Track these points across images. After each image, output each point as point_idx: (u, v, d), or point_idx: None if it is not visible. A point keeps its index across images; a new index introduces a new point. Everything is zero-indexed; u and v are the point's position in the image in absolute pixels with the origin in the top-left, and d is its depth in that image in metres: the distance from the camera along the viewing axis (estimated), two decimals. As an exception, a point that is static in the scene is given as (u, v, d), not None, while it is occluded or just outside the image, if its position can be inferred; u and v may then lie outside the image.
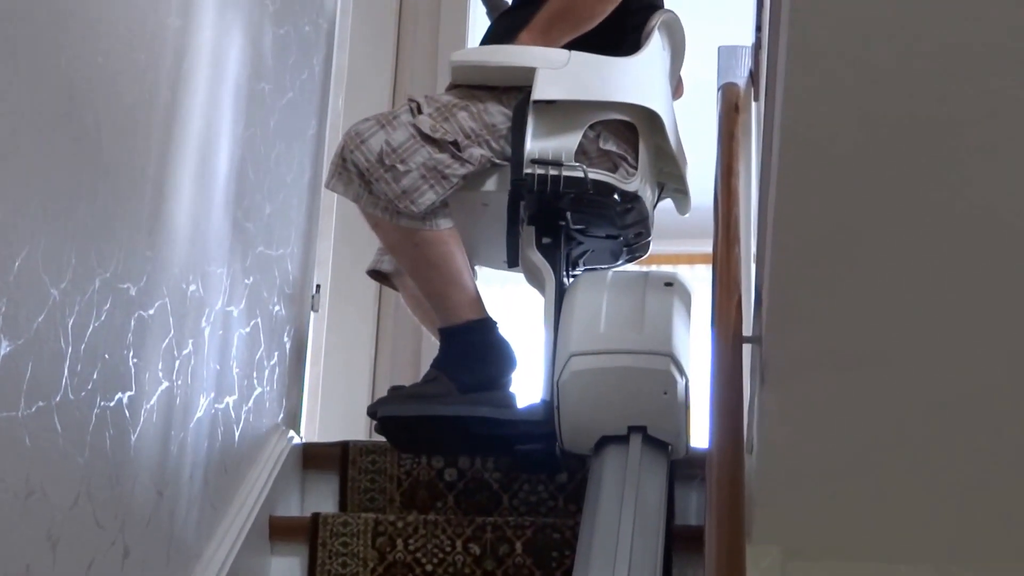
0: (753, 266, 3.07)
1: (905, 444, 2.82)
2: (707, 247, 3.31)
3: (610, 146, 3.31)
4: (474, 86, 3.37)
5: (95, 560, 2.51)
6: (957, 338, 2.45)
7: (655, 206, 3.50)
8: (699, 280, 3.71)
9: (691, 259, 6.90)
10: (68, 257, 2.35)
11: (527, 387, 3.35)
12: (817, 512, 3.09)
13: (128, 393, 2.63)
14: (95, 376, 2.48)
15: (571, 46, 3.34)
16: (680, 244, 6.25)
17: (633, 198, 3.32)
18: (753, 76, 3.66)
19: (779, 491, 2.97)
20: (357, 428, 4.75)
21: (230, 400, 3.24)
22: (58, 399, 2.33)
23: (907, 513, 3.08)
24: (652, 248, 3.59)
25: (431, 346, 3.56)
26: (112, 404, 2.56)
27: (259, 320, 3.44)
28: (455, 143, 3.24)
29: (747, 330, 2.88)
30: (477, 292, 3.35)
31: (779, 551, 3.19)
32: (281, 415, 3.67)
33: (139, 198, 2.68)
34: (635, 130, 3.34)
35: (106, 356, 2.52)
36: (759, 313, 2.62)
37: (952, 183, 2.10)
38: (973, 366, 2.53)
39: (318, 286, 4.03)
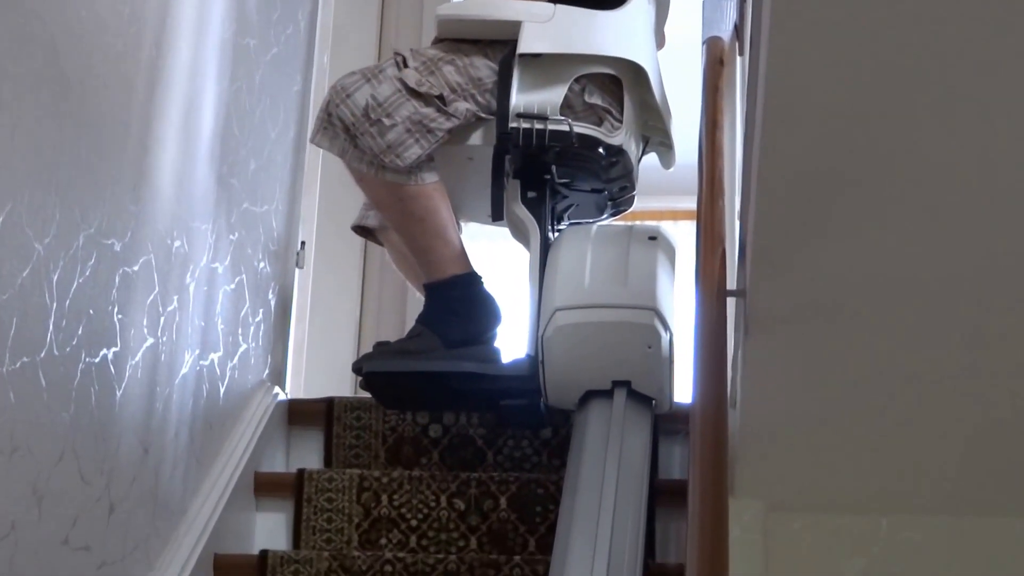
0: (737, 222, 3.07)
1: (889, 397, 2.83)
2: (691, 203, 3.30)
3: (595, 100, 3.31)
4: (460, 40, 3.36)
5: (80, 516, 2.52)
6: (942, 289, 2.45)
7: (640, 160, 3.50)
8: (683, 236, 3.70)
9: (675, 215, 6.89)
10: (52, 212, 2.35)
11: (512, 342, 3.36)
12: (799, 465, 3.10)
13: (113, 349, 2.63)
14: (80, 332, 2.48)
15: (556, -1, 3.34)
16: (664, 200, 6.23)
17: (618, 151, 3.32)
18: (738, 30, 3.65)
19: (762, 445, 2.97)
20: (342, 384, 4.75)
21: (215, 357, 3.24)
22: (43, 355, 2.33)
23: (889, 466, 3.09)
24: (636, 204, 3.58)
25: (416, 302, 3.55)
26: (97, 360, 2.56)
27: (244, 277, 3.44)
28: (441, 97, 3.23)
29: (731, 285, 2.89)
30: (462, 246, 3.35)
31: (761, 505, 3.20)
32: (266, 372, 3.67)
33: (123, 153, 2.67)
34: (620, 84, 3.34)
35: (91, 312, 2.52)
36: (743, 266, 2.62)
37: (938, 131, 2.10)
38: (959, 317, 2.53)
39: (303, 243, 4.02)
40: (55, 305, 2.37)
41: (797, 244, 2.32)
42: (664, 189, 5.04)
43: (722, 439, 2.49)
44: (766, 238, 2.32)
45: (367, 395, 3.48)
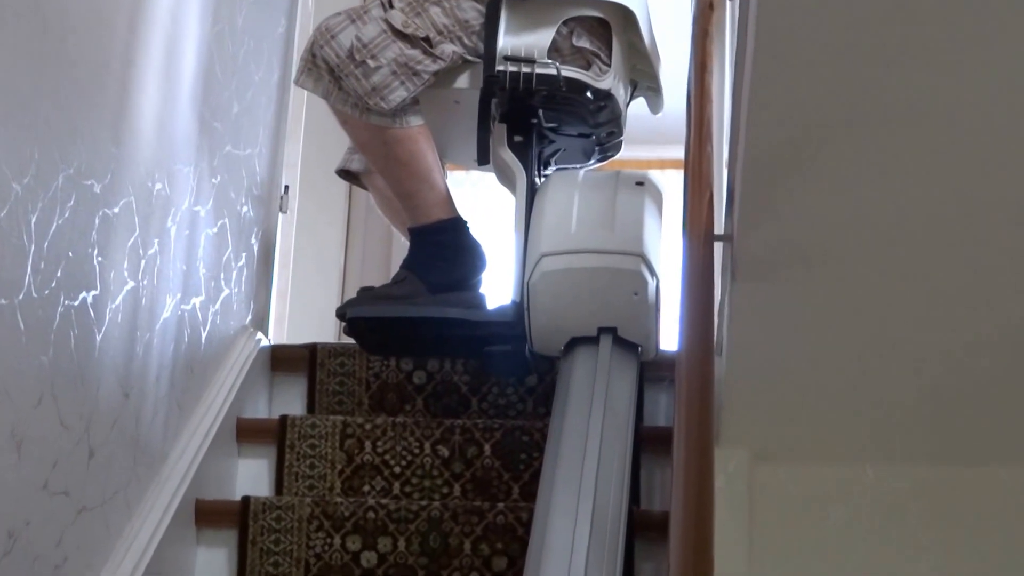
0: (725, 169, 3.04)
1: (877, 345, 2.81)
2: (679, 152, 3.28)
3: (583, 43, 3.27)
4: (447, -19, 3.32)
5: (60, 460, 2.49)
6: (932, 235, 2.44)
7: (628, 104, 3.47)
8: (671, 185, 3.68)
9: (663, 164, 6.87)
10: (30, 152, 2.32)
11: (497, 288, 3.33)
12: (785, 414, 3.09)
13: (93, 292, 2.60)
14: (59, 274, 2.45)
15: (544, -59, 3.29)
16: (652, 149, 6.21)
17: (606, 96, 3.28)
18: (728, -26, 3.61)
19: (748, 393, 2.96)
20: (327, 331, 4.74)
21: (197, 301, 3.21)
22: (21, 297, 2.31)
23: (876, 415, 3.08)
24: (624, 153, 3.56)
25: (402, 247, 3.53)
26: (76, 303, 2.53)
27: (226, 221, 3.41)
28: (427, 39, 3.20)
29: (719, 232, 2.86)
30: (448, 191, 3.32)
31: (746, 454, 3.19)
32: (249, 317, 3.64)
33: (103, 93, 2.63)
34: (609, 27, 3.30)
35: (70, 254, 2.49)
36: (731, 212, 2.60)
37: (930, 73, 2.08)
38: (948, 263, 2.52)
39: (286, 187, 3.99)
40: (33, 247, 2.34)
41: (785, 188, 2.30)
42: (652, 138, 5.02)
43: (708, 386, 2.47)
44: (754, 182, 2.30)
45: (351, 341, 3.46)
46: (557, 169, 3.49)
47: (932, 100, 2.12)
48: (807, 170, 2.26)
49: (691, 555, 2.14)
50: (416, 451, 3.28)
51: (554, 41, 3.24)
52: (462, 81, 3.29)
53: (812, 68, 2.06)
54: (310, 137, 4.34)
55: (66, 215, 2.46)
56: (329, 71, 3.20)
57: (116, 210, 2.70)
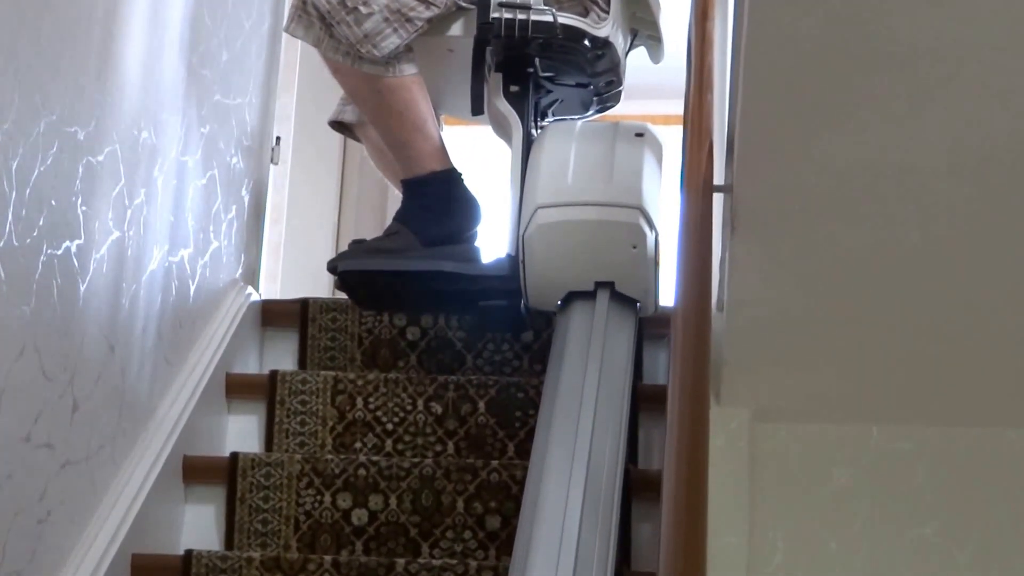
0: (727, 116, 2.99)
1: (881, 301, 2.77)
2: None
3: (581, -11, 3.22)
4: (440, -74, 3.26)
5: (43, 413, 2.46)
6: (939, 182, 2.40)
7: (627, 53, 3.41)
8: (674, 140, 3.62)
9: (667, 120, 6.82)
10: (10, 96, 2.27)
11: (493, 241, 3.28)
12: (788, 372, 3.05)
13: (76, 242, 2.56)
14: (41, 223, 2.41)
15: None
16: (657, 104, 6.17)
17: (604, 44, 3.22)
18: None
19: (749, 349, 2.92)
20: (320, 286, 4.70)
21: (185, 253, 3.16)
22: (1, 245, 2.27)
23: (880, 374, 3.05)
24: (628, 107, 3.50)
25: (397, 200, 3.48)
26: (59, 252, 2.49)
27: (215, 172, 3.35)
28: (420, -15, 3.14)
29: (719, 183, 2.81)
30: (442, 142, 3.26)
31: (748, 413, 3.16)
32: (239, 270, 3.59)
33: (87, 37, 2.58)
34: (607, -28, 3.25)
35: (53, 202, 2.45)
36: (731, 161, 2.55)
37: (932, 10, 2.02)
38: (953, 213, 2.48)
39: (278, 138, 3.94)
40: (14, 194, 2.30)
41: (785, 133, 2.27)
42: (657, 92, 4.98)
43: (703, 342, 2.41)
44: (753, 128, 2.26)
45: (345, 296, 3.42)
46: (554, 120, 3.44)
47: (937, 39, 2.07)
48: (808, 114, 2.22)
49: (684, 515, 2.09)
50: (409, 408, 3.24)
51: (551, -14, 3.19)
52: (456, 28, 3.23)
53: (811, 7, 2.01)
54: (304, 88, 4.29)
55: (48, 162, 2.42)
56: (320, 18, 3.14)
57: (100, 158, 2.66)
